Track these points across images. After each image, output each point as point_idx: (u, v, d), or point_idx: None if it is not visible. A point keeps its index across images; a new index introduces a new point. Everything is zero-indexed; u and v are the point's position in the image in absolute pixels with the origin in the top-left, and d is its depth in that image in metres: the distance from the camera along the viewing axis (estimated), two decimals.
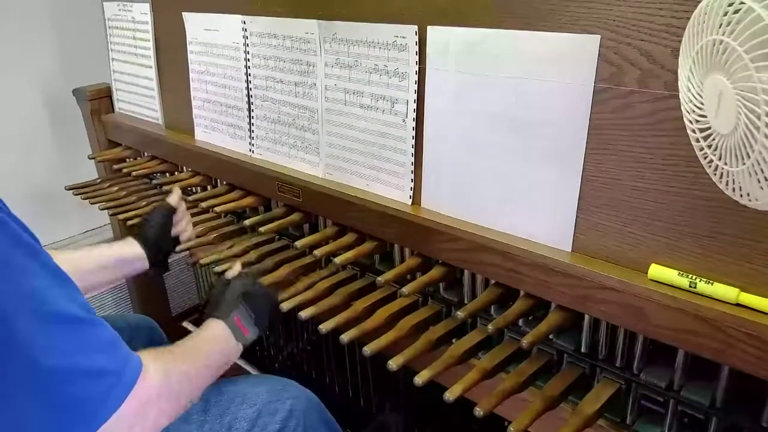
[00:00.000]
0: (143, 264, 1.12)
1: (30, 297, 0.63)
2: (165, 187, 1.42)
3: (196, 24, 1.35)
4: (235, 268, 1.07)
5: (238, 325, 0.93)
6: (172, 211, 1.17)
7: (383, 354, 0.91)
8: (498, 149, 0.88)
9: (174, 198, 1.18)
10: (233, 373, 1.07)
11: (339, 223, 1.15)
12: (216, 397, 0.98)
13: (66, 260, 0.99)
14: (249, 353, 1.74)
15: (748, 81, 0.51)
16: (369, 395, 1.47)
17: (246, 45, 1.24)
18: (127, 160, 1.62)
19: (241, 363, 1.65)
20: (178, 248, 1.19)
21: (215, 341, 0.91)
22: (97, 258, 1.08)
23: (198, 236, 1.25)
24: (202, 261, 1.17)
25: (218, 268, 1.10)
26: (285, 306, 1.01)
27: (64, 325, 0.66)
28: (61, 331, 0.65)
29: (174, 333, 1.82)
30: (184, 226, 1.20)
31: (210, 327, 0.92)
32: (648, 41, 0.70)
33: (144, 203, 1.41)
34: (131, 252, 1.10)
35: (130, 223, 1.33)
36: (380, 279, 0.97)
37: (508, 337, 0.96)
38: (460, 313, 0.89)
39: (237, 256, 1.18)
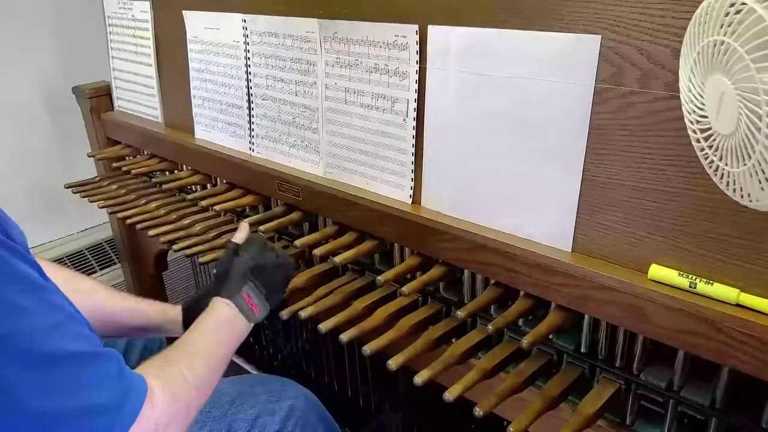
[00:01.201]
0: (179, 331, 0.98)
1: (22, 338, 0.58)
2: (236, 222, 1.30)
3: (196, 22, 1.35)
4: (243, 229, 0.98)
5: (248, 303, 0.86)
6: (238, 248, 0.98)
7: (383, 353, 0.91)
8: (498, 149, 0.88)
9: (240, 236, 1.01)
10: (233, 372, 1.07)
11: (339, 222, 1.15)
12: (216, 399, 0.96)
13: (98, 304, 0.92)
14: (248, 352, 1.75)
15: (749, 82, 0.51)
16: (368, 395, 1.47)
17: (246, 43, 1.24)
18: (127, 158, 1.62)
19: (240, 362, 1.65)
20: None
21: (223, 330, 0.84)
22: (135, 317, 0.98)
23: (197, 235, 1.25)
24: (201, 260, 1.17)
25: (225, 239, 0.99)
26: (284, 314, 1.00)
27: (59, 366, 0.60)
28: (56, 372, 0.60)
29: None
30: None
31: (216, 311, 0.85)
32: (648, 41, 0.70)
33: (143, 201, 1.41)
34: (174, 324, 0.99)
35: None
36: (380, 278, 0.97)
37: (507, 337, 0.95)
38: (460, 313, 0.89)
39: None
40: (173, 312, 0.99)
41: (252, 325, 0.88)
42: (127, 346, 1.14)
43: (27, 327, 0.58)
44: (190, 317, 0.93)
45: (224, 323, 0.85)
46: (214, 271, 0.94)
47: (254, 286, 0.89)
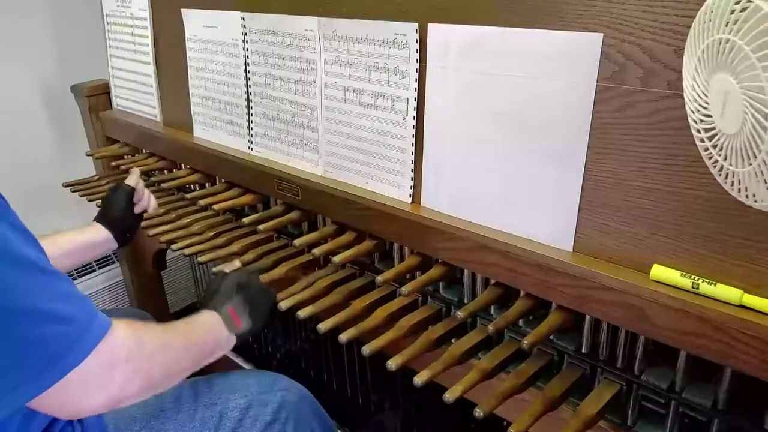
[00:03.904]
0: (111, 245, 1.18)
1: (5, 243, 0.61)
2: (124, 167, 1.48)
3: (195, 20, 1.34)
4: (234, 264, 1.08)
5: (231, 315, 0.92)
6: (132, 191, 1.22)
7: (382, 354, 0.91)
8: (499, 148, 0.87)
9: (132, 178, 1.24)
10: (226, 368, 1.08)
11: (338, 222, 1.14)
12: (206, 387, 1.00)
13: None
14: (247, 351, 1.75)
15: (754, 80, 0.50)
16: (367, 395, 1.47)
17: (245, 42, 1.23)
18: (125, 157, 1.61)
19: (239, 361, 1.65)
20: (143, 224, 1.26)
21: (204, 329, 0.90)
22: (64, 244, 1.11)
23: (196, 234, 1.25)
24: (199, 259, 1.16)
25: (216, 269, 1.10)
26: (283, 305, 1.00)
27: (31, 271, 0.63)
28: (29, 276, 0.63)
29: None
30: (146, 204, 1.26)
31: (201, 315, 0.92)
32: (651, 40, 0.69)
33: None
34: (98, 236, 1.16)
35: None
36: (379, 278, 0.96)
37: (508, 338, 0.95)
38: (460, 313, 0.88)
39: (237, 254, 1.17)
40: (96, 231, 1.17)
41: (234, 337, 0.93)
42: None
43: (6, 237, 0.62)
44: (119, 232, 1.17)
45: (205, 324, 0.91)
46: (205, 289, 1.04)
47: (239, 301, 0.95)
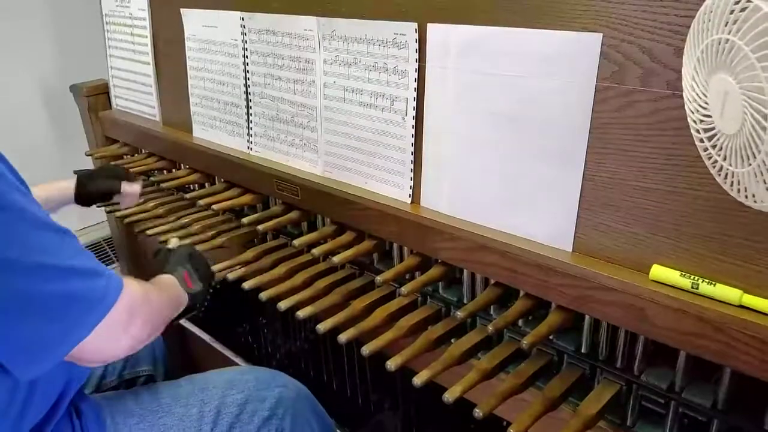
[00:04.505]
0: (69, 197, 1.26)
1: (19, 207, 0.67)
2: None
3: (194, 20, 1.34)
4: (174, 241, 1.18)
5: (185, 278, 1.01)
6: (122, 175, 1.30)
7: (382, 354, 0.91)
8: (498, 148, 0.87)
9: (138, 186, 1.32)
10: (224, 366, 1.08)
11: (337, 222, 1.14)
12: (204, 383, 1.01)
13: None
14: (246, 351, 1.74)
15: (754, 80, 0.50)
16: (367, 395, 1.46)
17: (244, 42, 1.23)
18: (125, 156, 1.61)
19: (239, 360, 1.65)
20: (106, 209, 1.36)
21: (170, 284, 0.98)
22: (43, 196, 1.17)
23: (195, 234, 1.25)
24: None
25: (159, 245, 1.18)
26: (283, 305, 1.00)
27: (53, 233, 0.70)
28: (53, 237, 0.70)
29: (171, 331, 1.82)
30: (129, 202, 1.34)
31: (163, 276, 1.00)
32: (650, 39, 0.69)
33: (141, 200, 1.40)
34: (66, 185, 1.25)
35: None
36: (379, 278, 0.96)
37: (507, 338, 0.95)
38: (460, 313, 0.88)
39: (236, 254, 1.17)
40: (66, 184, 1.26)
41: (187, 296, 1.00)
42: None
43: (19, 200, 0.68)
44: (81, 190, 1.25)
45: (168, 280, 1.00)
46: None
47: (190, 267, 1.04)
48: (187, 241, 1.21)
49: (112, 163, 1.59)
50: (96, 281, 0.73)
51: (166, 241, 1.19)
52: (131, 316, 0.77)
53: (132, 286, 0.79)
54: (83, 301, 0.71)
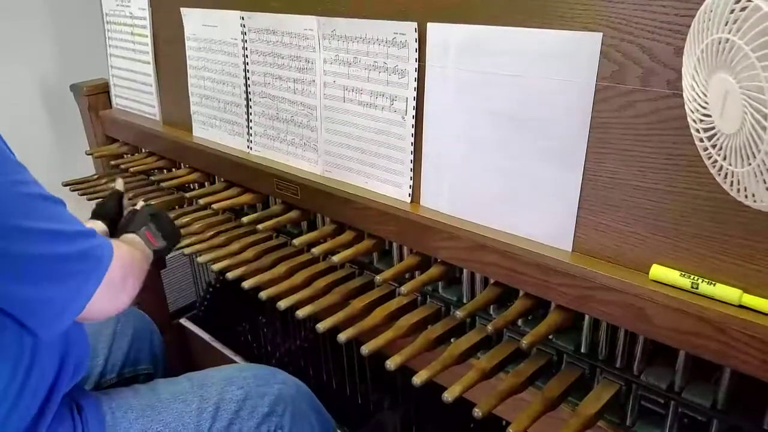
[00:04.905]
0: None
1: (24, 181, 0.74)
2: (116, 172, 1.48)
3: (194, 19, 1.34)
4: (141, 203, 1.21)
5: (148, 237, 1.06)
6: (122, 194, 1.31)
7: (381, 353, 0.91)
8: (498, 147, 0.87)
9: (120, 183, 1.34)
10: (223, 364, 1.08)
11: (337, 221, 1.14)
12: (203, 380, 1.01)
13: None
14: (246, 349, 1.74)
15: (754, 80, 0.50)
16: (367, 394, 1.46)
17: (244, 41, 1.23)
18: (125, 156, 1.61)
19: (238, 359, 1.65)
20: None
21: (136, 241, 1.04)
22: None
23: (195, 233, 1.25)
24: (199, 259, 1.17)
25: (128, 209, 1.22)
26: (282, 304, 1.00)
27: (53, 203, 0.77)
28: (56, 207, 0.77)
29: (171, 330, 1.82)
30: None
31: (126, 235, 1.05)
32: (650, 39, 0.69)
33: (141, 199, 1.40)
34: (100, 228, 1.22)
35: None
36: (379, 278, 0.96)
37: (507, 337, 0.95)
38: (459, 313, 0.88)
39: (236, 253, 1.17)
40: (97, 225, 1.23)
41: (152, 253, 1.05)
42: (114, 336, 1.21)
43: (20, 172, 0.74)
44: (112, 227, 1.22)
45: (134, 239, 1.05)
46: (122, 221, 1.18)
47: (153, 226, 1.08)
48: (187, 241, 1.22)
49: (112, 162, 1.60)
50: (93, 241, 0.81)
51: (134, 204, 1.24)
52: (124, 273, 0.85)
53: (121, 247, 0.88)
54: (91, 258, 0.79)
